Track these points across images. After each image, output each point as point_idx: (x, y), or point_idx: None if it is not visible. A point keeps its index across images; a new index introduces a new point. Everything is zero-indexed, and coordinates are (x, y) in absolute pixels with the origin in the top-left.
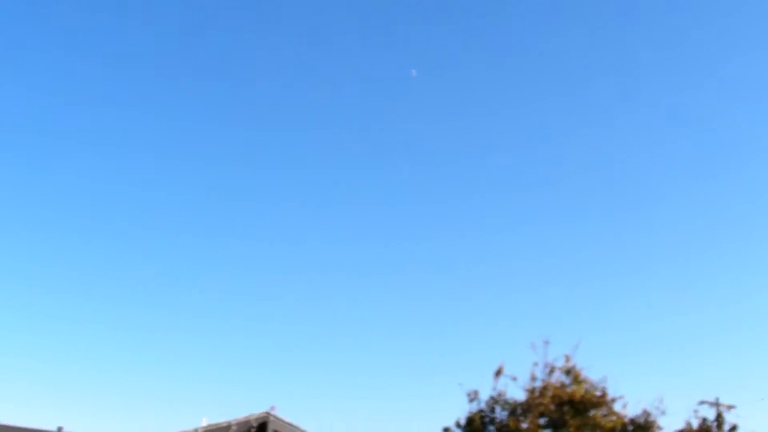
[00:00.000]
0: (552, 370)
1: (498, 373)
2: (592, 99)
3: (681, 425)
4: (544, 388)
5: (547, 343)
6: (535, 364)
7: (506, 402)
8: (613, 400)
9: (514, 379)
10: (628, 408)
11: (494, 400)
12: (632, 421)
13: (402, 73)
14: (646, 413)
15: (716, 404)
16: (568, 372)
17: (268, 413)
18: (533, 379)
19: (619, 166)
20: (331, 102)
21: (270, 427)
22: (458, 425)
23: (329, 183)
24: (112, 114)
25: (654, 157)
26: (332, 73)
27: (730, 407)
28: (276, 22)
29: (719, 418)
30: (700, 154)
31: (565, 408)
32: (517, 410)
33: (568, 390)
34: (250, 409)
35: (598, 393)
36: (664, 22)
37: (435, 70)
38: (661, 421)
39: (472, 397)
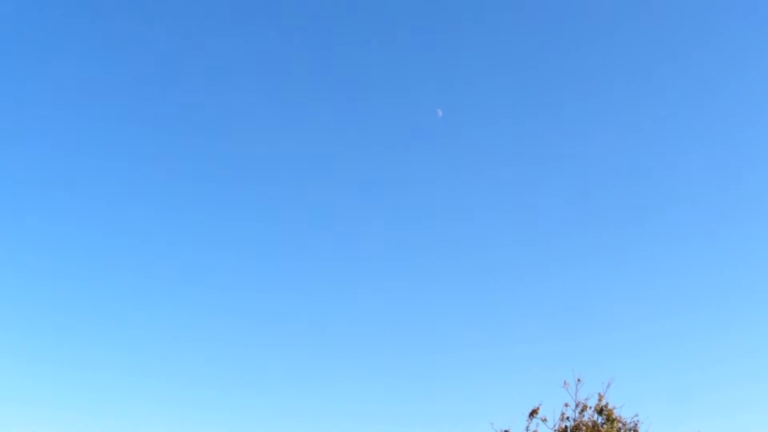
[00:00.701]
0: (584, 409)
1: (533, 413)
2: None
3: None
4: (576, 428)
5: (579, 381)
6: (566, 405)
7: None
8: None
9: (544, 420)
10: None
11: None
12: None
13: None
14: None
15: None
16: (600, 411)
17: None
18: (563, 418)
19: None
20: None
21: None
22: None
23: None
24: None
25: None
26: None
27: None
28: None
29: None
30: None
31: None
32: None
33: (601, 429)
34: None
35: None
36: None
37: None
38: None
39: None
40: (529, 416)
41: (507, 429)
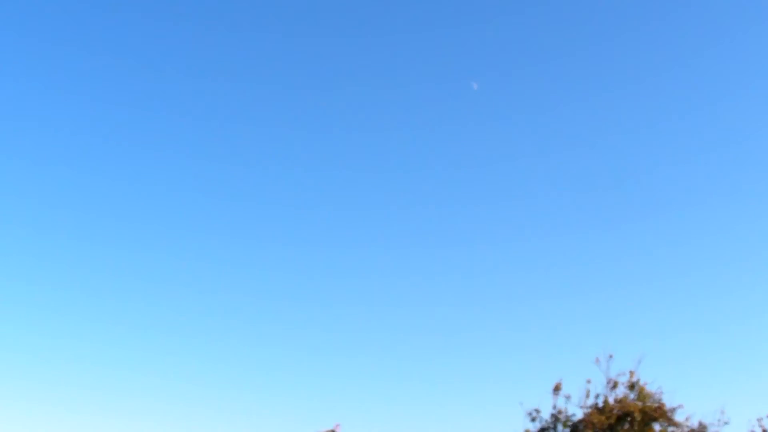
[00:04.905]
0: (615, 386)
1: (556, 389)
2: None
3: None
4: (605, 404)
5: (611, 357)
6: (589, 381)
7: (568, 419)
8: (672, 411)
9: (568, 397)
10: (691, 419)
11: (555, 418)
12: None
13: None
14: (703, 425)
15: None
16: (632, 386)
17: (333, 431)
18: (588, 394)
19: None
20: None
21: None
22: None
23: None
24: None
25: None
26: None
27: None
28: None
29: None
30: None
31: (626, 422)
32: (578, 427)
33: (629, 404)
34: (315, 427)
35: (655, 405)
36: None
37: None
38: None
39: (534, 416)
40: (553, 392)
41: (537, 408)
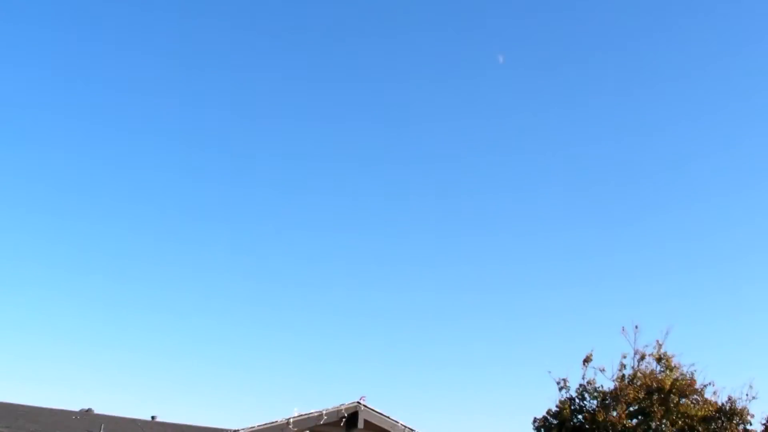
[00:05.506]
0: (642, 357)
1: (586, 360)
2: None
3: None
4: (634, 377)
5: (637, 328)
6: (624, 356)
7: (595, 390)
8: (703, 388)
9: (602, 370)
10: (719, 395)
11: (584, 389)
12: (721, 409)
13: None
14: (732, 400)
15: None
16: (659, 359)
17: (358, 403)
18: (622, 367)
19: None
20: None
21: (360, 417)
22: (549, 414)
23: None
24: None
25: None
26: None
27: None
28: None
29: None
30: None
31: (654, 397)
32: (606, 399)
33: (659, 377)
34: (340, 400)
35: (686, 381)
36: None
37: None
38: (753, 407)
39: (562, 385)
40: (583, 363)
41: (565, 377)
